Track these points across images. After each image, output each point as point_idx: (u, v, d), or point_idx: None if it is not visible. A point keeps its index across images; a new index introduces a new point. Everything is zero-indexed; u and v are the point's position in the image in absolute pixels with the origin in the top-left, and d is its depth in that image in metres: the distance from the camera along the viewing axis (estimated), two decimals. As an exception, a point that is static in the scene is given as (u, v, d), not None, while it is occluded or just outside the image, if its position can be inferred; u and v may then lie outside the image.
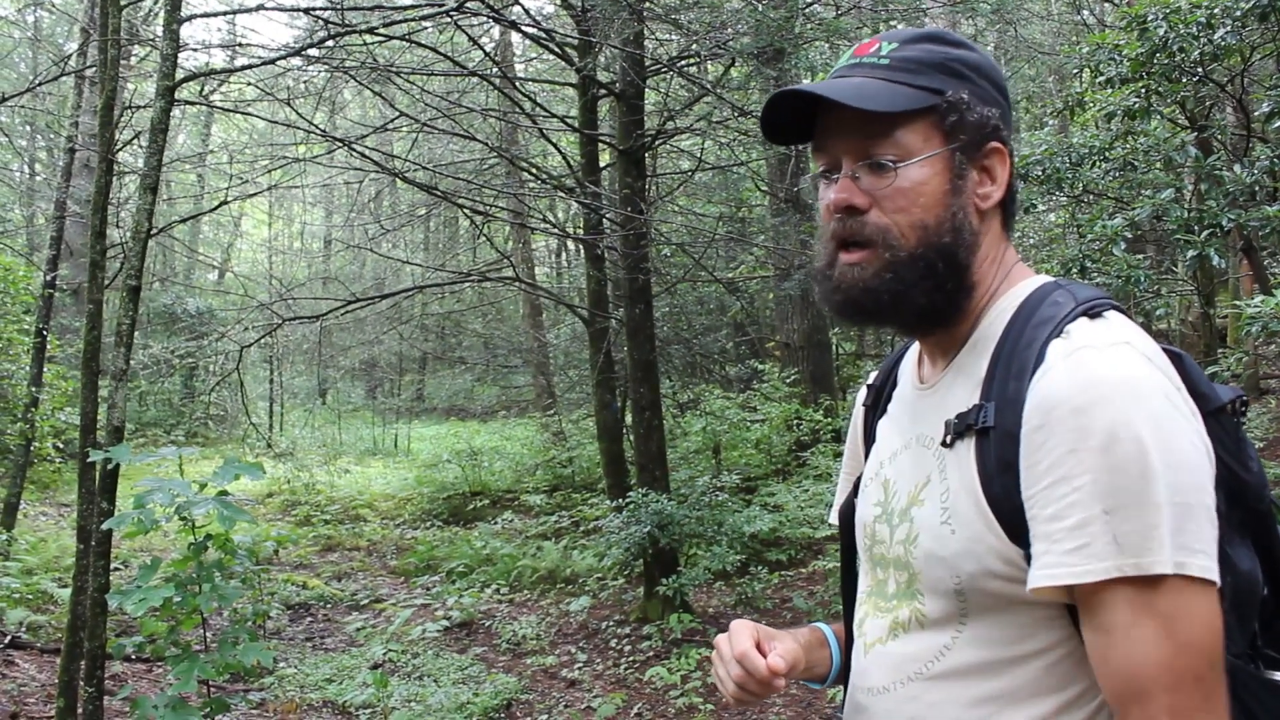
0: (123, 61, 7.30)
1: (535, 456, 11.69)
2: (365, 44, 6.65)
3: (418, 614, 6.88)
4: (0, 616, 6.03)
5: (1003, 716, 0.98)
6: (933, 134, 1.03)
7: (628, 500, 6.23)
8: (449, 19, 6.01)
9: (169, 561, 3.47)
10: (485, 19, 7.33)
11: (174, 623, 3.47)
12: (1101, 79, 4.46)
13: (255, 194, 13.20)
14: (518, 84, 8.04)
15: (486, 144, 7.71)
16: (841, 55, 1.12)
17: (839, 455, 4.46)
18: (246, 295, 15.82)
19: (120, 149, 4.71)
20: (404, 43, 6.71)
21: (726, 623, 1.48)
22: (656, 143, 7.00)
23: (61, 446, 9.16)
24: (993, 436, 0.97)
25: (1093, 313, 0.98)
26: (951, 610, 1.02)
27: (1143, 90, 4.30)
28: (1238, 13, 3.86)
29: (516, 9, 6.65)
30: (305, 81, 8.04)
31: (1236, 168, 4.07)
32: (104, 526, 3.36)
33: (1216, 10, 3.91)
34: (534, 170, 8.06)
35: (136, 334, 4.03)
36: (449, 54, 6.87)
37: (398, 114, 7.15)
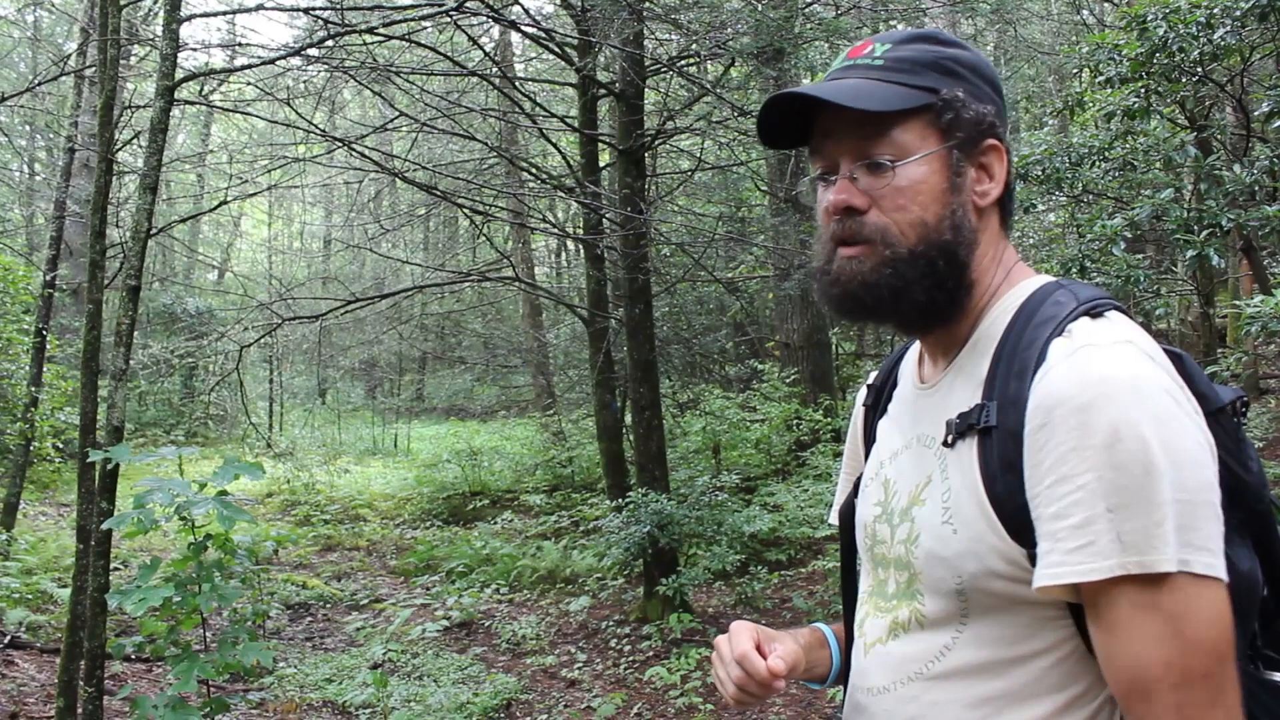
0: (122, 61, 7.30)
1: (535, 456, 11.70)
2: (365, 44, 6.65)
3: (417, 614, 6.88)
4: (0, 616, 6.03)
5: (1003, 717, 0.98)
6: (929, 132, 1.03)
7: (627, 500, 6.23)
8: (449, 19, 6.01)
9: (169, 561, 3.47)
10: (485, 19, 7.32)
11: (174, 623, 3.47)
12: (1101, 79, 4.46)
13: (255, 194, 13.20)
14: (517, 84, 8.04)
15: (486, 144, 7.70)
16: (840, 56, 1.12)
17: (838, 455, 4.46)
18: (246, 295, 15.82)
19: (120, 149, 4.71)
20: (403, 43, 6.71)
21: (726, 623, 1.48)
22: (656, 142, 6.99)
23: (61, 446, 9.15)
24: (995, 436, 0.97)
25: (1094, 312, 0.98)
26: (952, 610, 1.02)
27: (1142, 90, 4.30)
28: (1237, 12, 3.86)
29: (516, 9, 6.65)
30: (305, 81, 8.04)
31: (1236, 167, 4.07)
32: (104, 526, 3.36)
33: (1216, 10, 3.91)
34: (534, 170, 8.06)
35: (136, 334, 4.03)
36: (449, 54, 6.87)
37: (397, 114, 7.16)
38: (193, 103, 5.18)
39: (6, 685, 5.09)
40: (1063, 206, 6.16)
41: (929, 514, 1.04)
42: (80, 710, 3.53)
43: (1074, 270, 4.24)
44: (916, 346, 1.20)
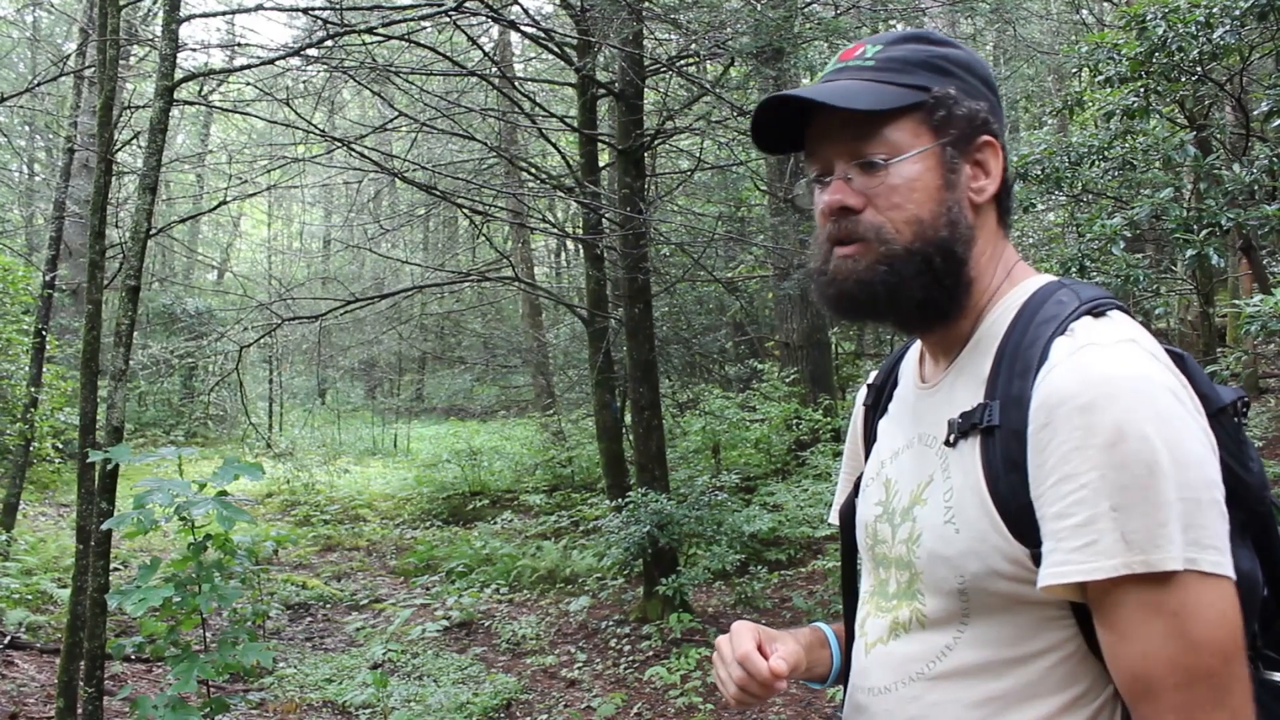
0: (121, 61, 7.30)
1: (535, 456, 11.70)
2: (364, 44, 6.64)
3: (417, 614, 6.88)
4: (0, 616, 6.03)
5: (1004, 717, 0.98)
6: (921, 130, 1.03)
7: (627, 500, 6.23)
8: (448, 19, 6.00)
9: (168, 561, 3.47)
10: (484, 19, 7.32)
11: (173, 623, 3.47)
12: (1100, 78, 4.46)
13: (254, 194, 13.18)
14: (517, 84, 8.04)
15: (486, 144, 7.70)
16: (833, 59, 1.13)
17: (838, 455, 4.46)
18: (245, 295, 15.82)
19: (119, 149, 4.71)
20: (403, 43, 6.71)
21: (726, 622, 1.48)
22: (656, 142, 6.99)
23: (61, 447, 9.15)
24: (998, 435, 0.97)
25: (1097, 311, 0.98)
26: (953, 610, 1.02)
27: (1142, 89, 4.30)
28: (1236, 12, 3.86)
29: (515, 9, 6.65)
30: (304, 81, 8.04)
31: (1235, 167, 4.07)
32: (103, 526, 3.36)
33: (1215, 9, 3.91)
34: (533, 170, 8.06)
35: (136, 334, 4.02)
36: (448, 54, 6.87)
37: (397, 114, 7.15)
38: (192, 103, 5.17)
39: (6, 685, 5.09)
40: (1062, 206, 6.16)
41: (931, 513, 1.04)
42: (80, 710, 3.53)
43: (1074, 270, 4.24)
44: (917, 346, 1.20)
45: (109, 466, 3.51)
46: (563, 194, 8.29)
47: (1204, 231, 3.86)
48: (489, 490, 10.94)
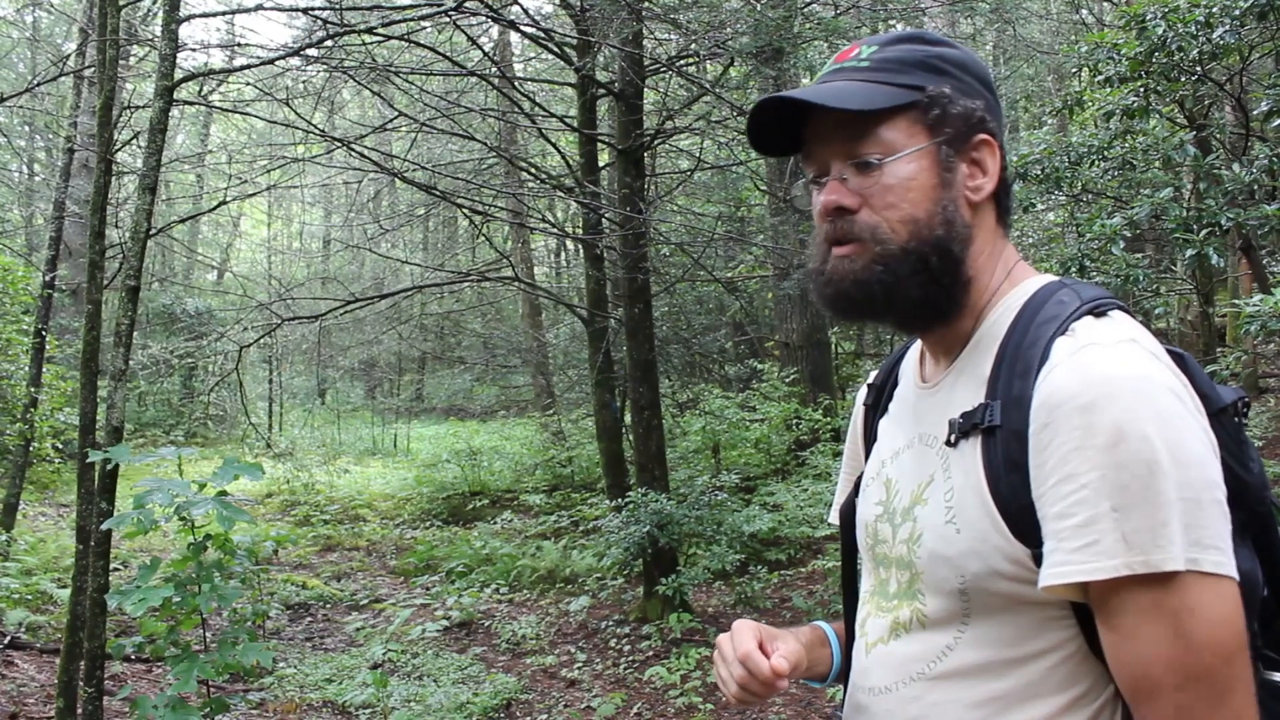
0: (121, 61, 7.29)
1: (535, 456, 11.70)
2: (364, 44, 6.64)
3: (417, 614, 6.88)
4: (0, 617, 6.03)
5: (1005, 717, 0.98)
6: (916, 129, 1.03)
7: (627, 500, 6.23)
8: (448, 19, 6.00)
9: (168, 561, 3.47)
10: (484, 19, 7.32)
11: (173, 623, 3.47)
12: (1100, 78, 4.46)
13: (254, 194, 13.18)
14: (517, 84, 8.04)
15: (485, 144, 7.70)
16: (829, 61, 1.13)
17: (838, 454, 4.46)
18: (245, 295, 15.82)
19: (119, 149, 4.71)
20: (403, 43, 6.71)
21: (726, 622, 1.48)
22: (655, 142, 6.99)
23: (61, 447, 9.15)
24: (999, 435, 0.96)
25: (1098, 311, 0.98)
26: (954, 610, 1.02)
27: (1141, 89, 4.30)
28: (1236, 11, 3.86)
29: (515, 9, 6.65)
30: (304, 81, 8.04)
31: (1235, 166, 4.07)
32: (103, 526, 3.36)
33: (1215, 9, 3.91)
34: (533, 170, 8.06)
35: (135, 334, 4.03)
36: (448, 54, 6.87)
37: (396, 114, 7.15)
38: (192, 103, 5.17)
39: (6, 685, 5.08)
40: (1062, 206, 6.16)
41: (931, 513, 1.04)
42: (80, 710, 3.53)
43: (1073, 269, 4.24)
44: (917, 346, 1.20)
45: (109, 466, 3.51)
46: (563, 194, 8.29)
47: (1204, 231, 3.86)
48: (489, 490, 10.94)
